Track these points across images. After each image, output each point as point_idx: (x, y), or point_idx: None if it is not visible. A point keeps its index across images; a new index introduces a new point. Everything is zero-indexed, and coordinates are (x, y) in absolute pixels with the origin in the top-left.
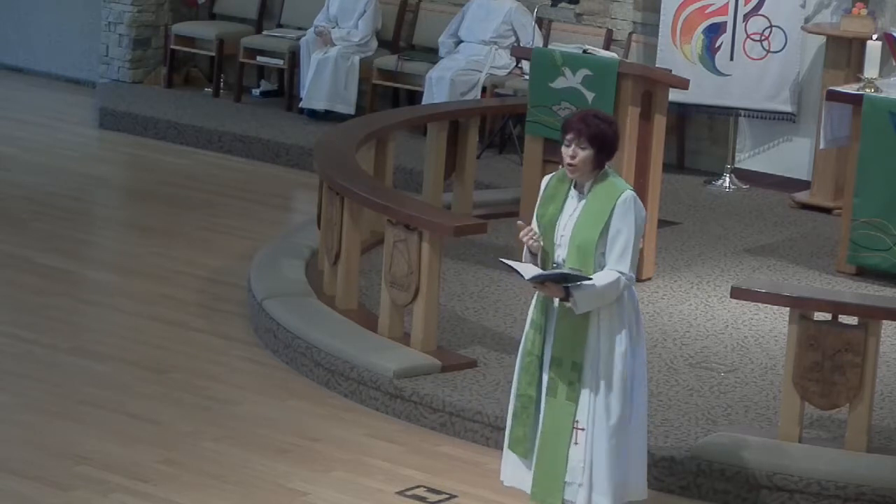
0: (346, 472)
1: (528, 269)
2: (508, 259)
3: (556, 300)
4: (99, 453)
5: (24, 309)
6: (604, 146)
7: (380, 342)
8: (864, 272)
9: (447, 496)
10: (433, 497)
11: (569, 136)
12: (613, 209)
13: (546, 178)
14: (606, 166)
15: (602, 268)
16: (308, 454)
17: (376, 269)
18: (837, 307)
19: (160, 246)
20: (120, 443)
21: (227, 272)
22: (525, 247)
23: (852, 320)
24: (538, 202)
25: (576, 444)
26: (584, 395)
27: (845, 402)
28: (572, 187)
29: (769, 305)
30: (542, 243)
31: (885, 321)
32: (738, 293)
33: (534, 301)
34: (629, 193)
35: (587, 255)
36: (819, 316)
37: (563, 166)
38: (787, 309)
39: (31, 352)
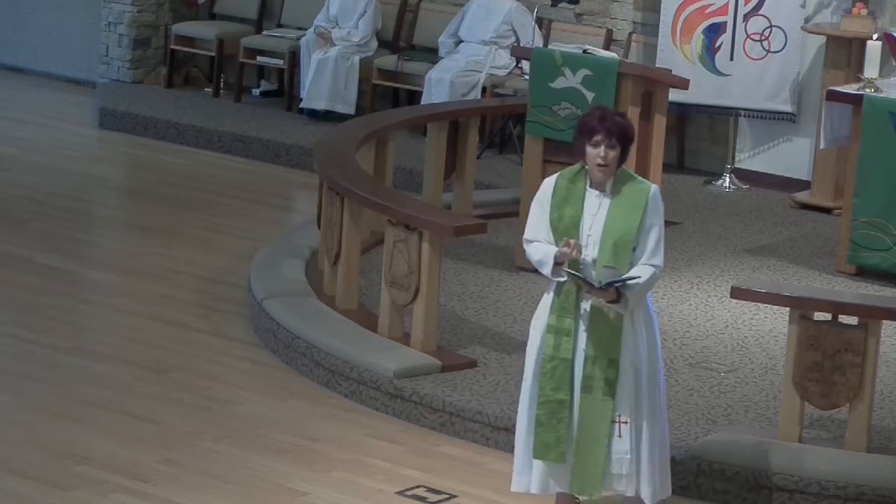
0: (346, 472)
1: (593, 279)
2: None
3: (587, 302)
4: (99, 453)
5: (24, 309)
6: (628, 143)
7: (380, 342)
8: (864, 272)
9: (447, 496)
10: (433, 497)
11: (597, 138)
12: (647, 204)
13: (550, 181)
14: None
15: (632, 263)
16: (308, 454)
17: (376, 269)
18: (837, 307)
19: (160, 246)
20: (120, 443)
21: (227, 272)
22: (544, 257)
23: (852, 320)
24: (548, 205)
25: (619, 437)
26: (624, 389)
27: (845, 402)
28: (588, 186)
29: (769, 305)
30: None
31: (885, 321)
32: (738, 293)
33: (549, 307)
34: (656, 188)
35: (624, 251)
36: (819, 316)
37: (587, 167)
38: (787, 309)
39: (31, 352)
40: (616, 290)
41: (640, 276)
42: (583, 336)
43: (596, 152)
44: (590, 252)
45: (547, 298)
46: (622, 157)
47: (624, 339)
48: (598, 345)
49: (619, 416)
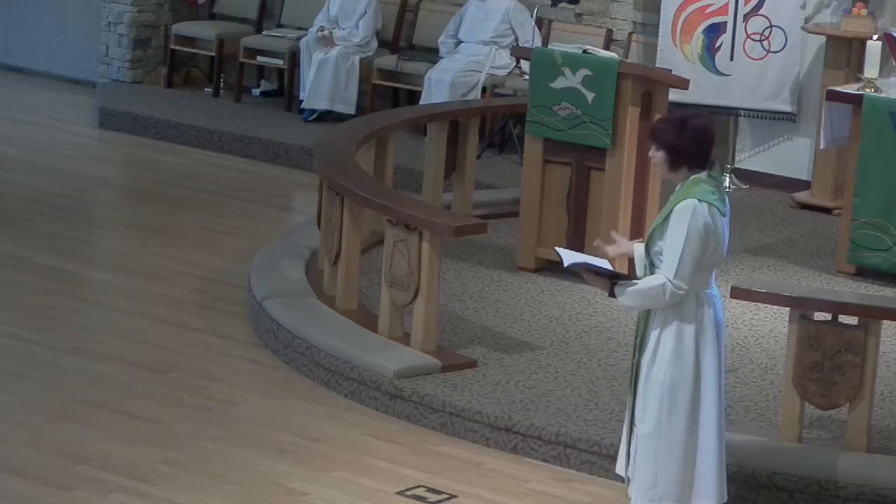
0: (346, 472)
1: (569, 257)
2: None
3: None
4: (99, 453)
5: (24, 309)
6: (669, 148)
7: (380, 342)
8: (864, 272)
9: (447, 496)
10: (433, 497)
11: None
12: (669, 215)
13: None
14: (705, 174)
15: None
16: (308, 454)
17: (376, 269)
18: (837, 307)
19: (160, 246)
20: (120, 443)
21: (227, 272)
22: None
23: (852, 320)
24: None
25: (634, 438)
26: (639, 392)
27: (845, 402)
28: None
29: (769, 305)
30: None
31: (885, 321)
32: (738, 293)
33: None
34: (689, 202)
35: (647, 252)
36: (819, 316)
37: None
38: (787, 309)
39: (31, 352)
40: (609, 283)
41: (635, 280)
42: None
43: None
44: None
45: None
46: (670, 162)
47: (646, 344)
48: (635, 345)
49: (635, 417)
